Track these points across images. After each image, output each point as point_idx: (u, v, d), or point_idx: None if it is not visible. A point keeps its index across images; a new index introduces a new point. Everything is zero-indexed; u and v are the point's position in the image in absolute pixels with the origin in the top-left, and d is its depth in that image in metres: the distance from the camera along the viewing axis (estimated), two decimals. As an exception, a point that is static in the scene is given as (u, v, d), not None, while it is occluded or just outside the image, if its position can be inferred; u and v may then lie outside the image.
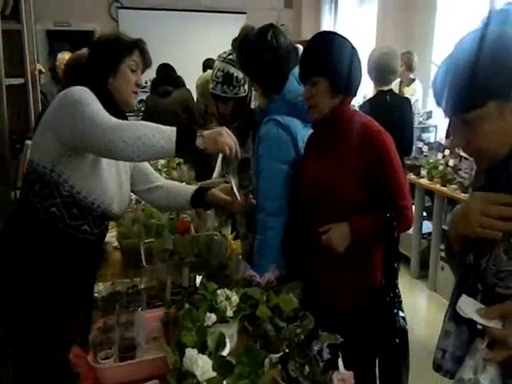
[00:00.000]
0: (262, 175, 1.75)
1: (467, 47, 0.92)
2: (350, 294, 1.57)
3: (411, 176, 4.16)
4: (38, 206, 1.40)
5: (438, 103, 0.97)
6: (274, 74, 1.74)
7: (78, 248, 1.49)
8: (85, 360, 1.23)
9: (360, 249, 1.53)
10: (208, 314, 1.19)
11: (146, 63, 1.56)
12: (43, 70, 3.58)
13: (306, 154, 1.71)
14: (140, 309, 1.50)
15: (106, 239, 2.06)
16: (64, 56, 4.24)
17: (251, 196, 1.72)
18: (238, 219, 2.11)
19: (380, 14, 5.77)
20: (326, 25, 7.19)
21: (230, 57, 1.92)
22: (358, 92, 1.61)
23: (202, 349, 1.06)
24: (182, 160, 3.08)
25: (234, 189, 1.56)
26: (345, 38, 1.56)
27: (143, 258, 1.78)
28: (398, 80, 4.55)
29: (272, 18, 7.10)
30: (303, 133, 1.74)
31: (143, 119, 4.50)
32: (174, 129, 1.27)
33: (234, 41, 1.81)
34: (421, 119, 4.74)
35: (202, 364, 0.96)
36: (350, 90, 1.56)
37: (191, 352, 1.00)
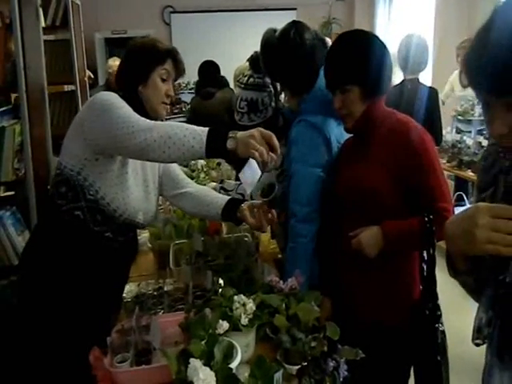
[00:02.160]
0: (293, 180, 1.66)
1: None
2: (384, 305, 1.45)
3: (469, 173, 3.90)
4: (63, 208, 1.42)
5: (472, 83, 0.81)
6: (300, 73, 1.65)
7: (102, 252, 1.49)
8: (102, 362, 1.22)
9: (395, 255, 1.42)
10: (220, 321, 1.14)
11: (179, 72, 1.53)
12: (92, 77, 3.71)
13: (340, 158, 1.61)
14: (162, 312, 1.49)
15: (140, 240, 2.09)
16: (115, 62, 4.36)
17: (274, 214, 1.59)
18: (277, 230, 2.03)
19: (439, 2, 5.45)
20: (381, 16, 6.90)
21: (251, 80, 1.84)
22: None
23: (209, 359, 1.01)
24: (221, 160, 3.06)
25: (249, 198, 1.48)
26: (373, 37, 1.45)
27: (171, 260, 1.77)
28: (458, 70, 4.29)
29: (323, 12, 7.01)
30: (337, 132, 1.64)
31: (187, 121, 4.55)
32: (205, 129, 1.23)
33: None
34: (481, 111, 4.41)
35: (203, 376, 0.91)
36: (383, 91, 1.46)
37: (194, 363, 0.95)
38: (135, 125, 1.24)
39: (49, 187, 1.48)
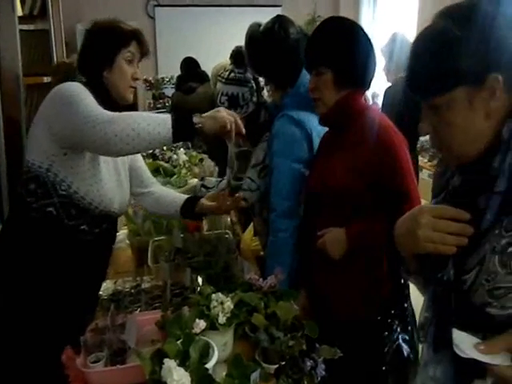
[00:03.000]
0: (274, 174, 1.67)
1: (438, 21, 0.81)
2: (351, 305, 1.42)
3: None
4: (33, 205, 1.37)
5: (408, 88, 0.87)
6: (285, 67, 1.65)
7: (76, 247, 1.44)
8: (75, 362, 1.19)
9: (360, 256, 1.39)
10: (197, 320, 1.11)
11: (144, 53, 1.49)
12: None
13: (317, 152, 1.60)
14: (139, 310, 1.46)
15: (119, 237, 2.05)
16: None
17: (243, 199, 1.67)
18: (259, 226, 2.01)
19: (422, 1, 5.49)
20: (365, 14, 6.94)
21: (232, 75, 1.83)
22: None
23: (185, 359, 0.99)
24: (204, 156, 3.03)
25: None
26: (356, 25, 1.43)
27: (149, 257, 1.74)
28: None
29: (308, 9, 7.01)
30: (320, 128, 1.62)
31: None
32: (168, 115, 1.24)
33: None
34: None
35: (177, 377, 0.89)
36: (359, 82, 1.43)
37: (169, 363, 0.92)
38: (96, 119, 1.20)
39: (19, 186, 1.42)
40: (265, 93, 1.90)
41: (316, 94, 1.43)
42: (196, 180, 2.54)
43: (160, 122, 1.21)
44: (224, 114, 1.29)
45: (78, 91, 1.30)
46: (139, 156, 1.71)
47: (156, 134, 1.20)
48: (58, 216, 1.36)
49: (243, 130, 1.33)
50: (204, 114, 1.28)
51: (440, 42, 0.79)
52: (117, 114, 1.24)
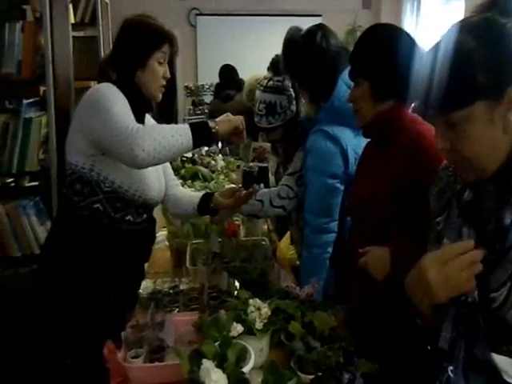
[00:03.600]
0: (308, 189, 1.66)
1: (456, 36, 0.80)
2: (393, 327, 1.33)
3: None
4: (81, 204, 1.43)
5: (420, 103, 0.88)
6: (322, 79, 1.63)
7: (122, 240, 1.50)
8: (116, 356, 1.23)
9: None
10: (234, 323, 1.13)
11: (173, 53, 1.52)
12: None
13: (358, 164, 1.57)
14: (177, 310, 1.49)
15: (158, 238, 2.11)
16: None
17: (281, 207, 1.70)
18: (295, 235, 2.02)
19: (468, 10, 5.35)
20: (408, 25, 6.81)
21: (270, 83, 1.83)
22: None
23: (222, 361, 1.01)
24: (241, 162, 3.07)
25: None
26: (400, 33, 1.34)
27: (188, 259, 1.77)
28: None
29: (349, 20, 6.99)
30: (355, 143, 1.61)
31: None
32: (185, 124, 1.34)
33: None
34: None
35: (215, 378, 0.90)
36: (401, 94, 1.32)
37: (207, 364, 0.95)
38: (125, 132, 1.27)
39: (65, 187, 1.49)
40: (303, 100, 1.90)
41: (354, 105, 1.39)
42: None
43: (181, 133, 1.30)
44: (233, 117, 1.42)
45: (109, 96, 1.36)
46: None
47: (179, 144, 1.29)
48: (104, 211, 1.42)
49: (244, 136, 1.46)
50: (217, 119, 1.40)
51: (459, 57, 0.79)
52: (142, 127, 1.30)
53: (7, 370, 1.94)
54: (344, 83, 1.58)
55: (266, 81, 1.87)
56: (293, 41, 1.67)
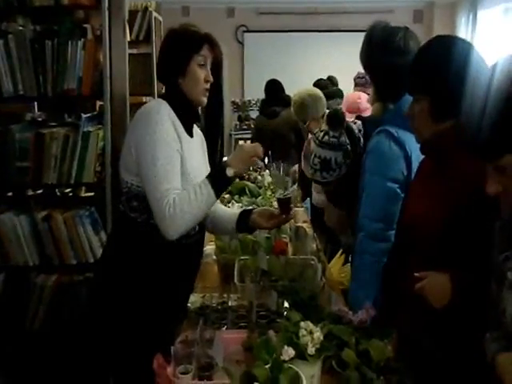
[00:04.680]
0: (365, 192, 1.59)
1: (506, 85, 0.81)
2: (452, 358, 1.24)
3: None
4: (138, 219, 1.46)
5: (470, 149, 0.89)
6: (393, 80, 1.56)
7: (176, 253, 1.51)
8: (165, 371, 1.23)
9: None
10: (286, 347, 1.10)
11: (216, 56, 1.52)
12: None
13: (414, 179, 1.50)
14: (225, 327, 1.48)
15: (206, 251, 2.11)
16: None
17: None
18: (342, 238, 1.99)
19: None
20: (463, 33, 6.48)
21: (326, 138, 1.81)
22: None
23: (274, 385, 0.98)
24: (288, 178, 3.04)
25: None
26: (466, 48, 1.25)
27: (236, 275, 1.76)
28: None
29: (400, 35, 6.85)
30: (419, 152, 1.50)
31: (252, 139, 4.59)
32: (205, 181, 1.40)
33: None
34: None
35: (269, 405, 0.88)
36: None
37: (260, 388, 0.92)
38: (162, 210, 1.33)
39: (120, 203, 1.53)
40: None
41: (412, 122, 1.34)
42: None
43: (206, 198, 1.37)
44: (247, 151, 1.45)
45: (157, 123, 1.38)
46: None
47: (205, 208, 1.40)
48: None
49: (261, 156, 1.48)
50: (230, 159, 1.45)
51: (505, 103, 0.80)
52: (176, 205, 1.34)
53: (58, 380, 1.99)
54: None
55: (321, 134, 1.84)
56: (372, 34, 1.62)
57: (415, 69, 1.32)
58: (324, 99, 3.12)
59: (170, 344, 1.30)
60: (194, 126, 1.62)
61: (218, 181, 1.41)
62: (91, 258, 2.10)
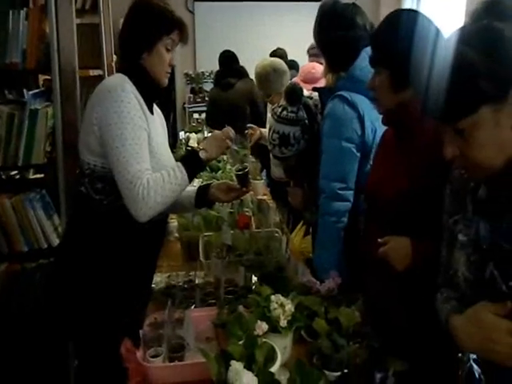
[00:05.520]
0: (323, 156, 1.67)
1: (456, 47, 0.83)
2: (413, 318, 1.31)
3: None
4: (104, 202, 1.40)
5: (427, 113, 0.90)
6: (342, 52, 1.69)
7: (141, 233, 1.45)
8: (135, 356, 1.20)
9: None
10: (259, 322, 1.10)
11: (183, 41, 1.49)
12: (119, 62, 3.65)
13: (376, 151, 1.55)
14: (193, 306, 1.46)
15: (168, 230, 2.07)
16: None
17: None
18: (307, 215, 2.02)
19: (469, 2, 5.26)
20: (408, 5, 6.66)
21: (284, 114, 1.83)
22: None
23: (250, 361, 0.98)
24: (246, 151, 3.02)
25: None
26: (425, 20, 1.29)
27: (201, 252, 1.74)
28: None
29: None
30: (372, 114, 1.60)
31: (207, 112, 4.50)
32: (179, 164, 1.40)
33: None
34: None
35: (246, 381, 0.88)
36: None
37: (236, 366, 0.92)
38: (134, 192, 1.30)
39: (81, 185, 1.44)
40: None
41: (374, 93, 1.37)
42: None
43: (180, 182, 1.37)
44: (220, 136, 1.48)
45: (122, 108, 1.32)
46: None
47: (178, 192, 1.39)
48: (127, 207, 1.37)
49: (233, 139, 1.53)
50: (204, 144, 1.48)
51: (460, 68, 0.81)
52: (150, 187, 1.30)
53: (17, 368, 1.91)
54: (367, 55, 1.55)
55: (279, 109, 1.86)
56: (323, 10, 1.74)
57: (375, 43, 1.36)
58: (289, 73, 3.09)
59: (136, 327, 1.27)
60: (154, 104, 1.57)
61: (192, 164, 1.41)
62: (44, 243, 1.98)
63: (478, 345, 0.87)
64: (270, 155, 2.85)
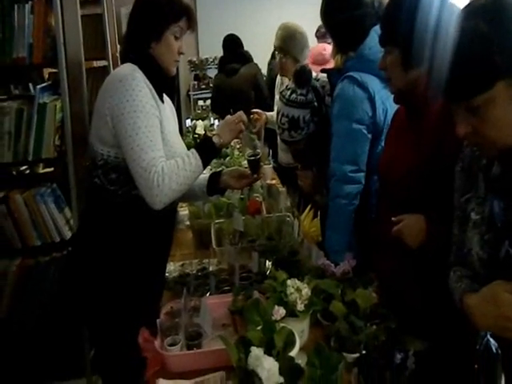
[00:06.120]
0: (334, 138, 1.65)
1: (468, 22, 0.82)
2: (429, 297, 1.30)
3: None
4: (119, 192, 1.40)
5: (438, 92, 0.89)
6: (349, 33, 1.65)
7: (153, 225, 1.46)
8: (152, 345, 1.21)
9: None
10: (276, 307, 1.10)
11: (191, 28, 1.47)
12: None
13: (389, 131, 1.53)
14: (208, 294, 1.47)
15: (179, 218, 2.07)
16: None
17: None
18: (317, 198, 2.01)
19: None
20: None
21: (293, 97, 1.78)
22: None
23: (269, 347, 0.98)
24: (254, 136, 3.00)
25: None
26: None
27: (213, 240, 1.74)
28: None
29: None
30: (383, 93, 1.58)
31: (212, 99, 4.47)
32: (193, 151, 1.39)
33: None
34: None
35: (267, 366, 0.88)
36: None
37: (256, 351, 0.92)
38: (149, 181, 1.29)
39: (95, 177, 1.43)
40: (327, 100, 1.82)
41: (386, 73, 1.35)
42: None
43: (194, 169, 1.36)
44: (232, 121, 1.46)
45: (133, 93, 1.31)
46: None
47: (193, 179, 1.38)
48: (141, 196, 1.36)
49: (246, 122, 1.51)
50: (218, 129, 1.47)
51: (474, 44, 0.80)
52: (165, 174, 1.30)
53: (35, 360, 1.94)
54: (376, 34, 1.52)
55: (288, 92, 1.82)
56: None
57: (385, 23, 1.34)
58: (307, 50, 2.93)
59: (153, 317, 1.28)
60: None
61: (206, 150, 1.40)
62: (57, 237, 2.00)
63: (493, 323, 0.87)
64: (278, 140, 2.83)
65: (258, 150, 1.71)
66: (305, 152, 1.94)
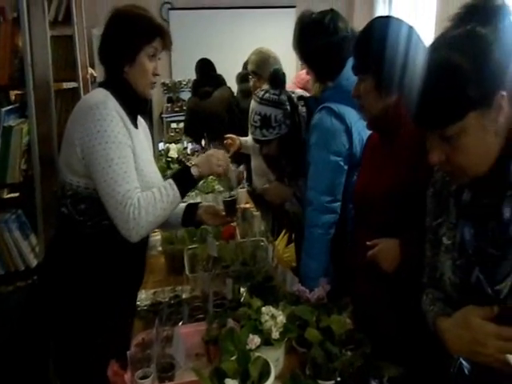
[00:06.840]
0: (311, 167, 1.67)
1: (442, 53, 0.83)
2: (404, 321, 1.31)
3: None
4: (88, 223, 1.35)
5: (413, 119, 0.89)
6: (327, 60, 1.67)
7: (124, 254, 1.42)
8: (122, 378, 1.16)
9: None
10: (251, 335, 1.08)
11: (166, 48, 1.44)
12: (95, 75, 3.59)
13: (362, 156, 1.55)
14: (181, 322, 1.43)
15: (151, 243, 2.02)
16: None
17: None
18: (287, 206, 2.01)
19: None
20: (380, 12, 6.80)
21: (267, 95, 1.84)
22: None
23: (244, 378, 0.95)
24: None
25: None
26: (402, 26, 1.32)
27: (186, 266, 1.71)
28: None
29: (322, 9, 6.97)
30: (359, 125, 1.61)
31: (186, 121, 4.47)
32: (171, 181, 1.36)
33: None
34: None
35: (242, 399, 0.85)
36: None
37: (231, 383, 0.89)
38: (124, 213, 1.26)
39: (63, 205, 1.38)
40: (302, 111, 1.87)
41: (359, 100, 1.37)
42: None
43: (172, 200, 1.33)
44: (215, 157, 1.44)
45: (105, 123, 1.27)
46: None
47: (169, 208, 1.34)
48: (112, 226, 1.32)
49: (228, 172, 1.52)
50: (197, 160, 1.44)
51: (447, 75, 0.81)
52: (140, 206, 1.27)
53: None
54: None
55: (262, 92, 1.87)
56: (303, 21, 1.71)
57: (358, 51, 1.36)
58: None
59: (123, 348, 1.23)
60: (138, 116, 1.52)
61: (183, 181, 1.37)
62: (21, 265, 1.92)
63: (466, 347, 0.88)
64: (252, 164, 2.84)
65: (234, 193, 1.72)
66: (277, 157, 1.96)
